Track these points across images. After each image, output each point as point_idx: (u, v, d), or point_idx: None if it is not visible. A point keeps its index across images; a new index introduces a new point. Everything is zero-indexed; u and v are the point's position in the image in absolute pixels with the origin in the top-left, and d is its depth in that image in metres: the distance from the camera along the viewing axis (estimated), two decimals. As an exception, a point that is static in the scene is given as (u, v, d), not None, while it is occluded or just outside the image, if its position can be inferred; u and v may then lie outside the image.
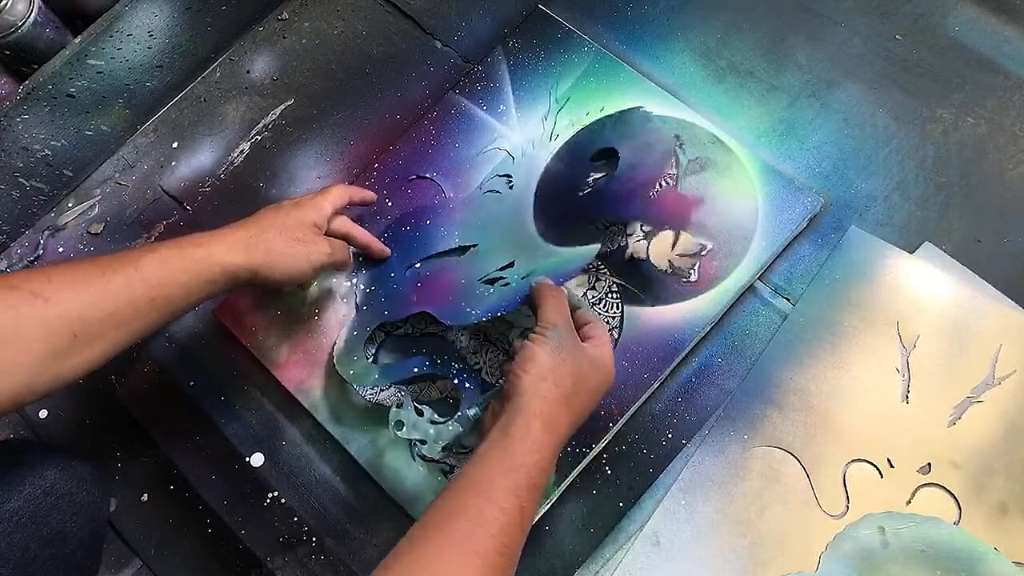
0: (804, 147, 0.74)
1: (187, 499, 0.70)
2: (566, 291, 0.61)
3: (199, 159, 0.82)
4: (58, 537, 0.56)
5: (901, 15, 0.78)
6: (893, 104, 0.75)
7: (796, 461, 0.64)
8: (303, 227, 0.62)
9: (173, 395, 0.73)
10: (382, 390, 0.68)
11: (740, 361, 0.68)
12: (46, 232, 0.80)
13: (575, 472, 0.64)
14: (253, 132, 0.82)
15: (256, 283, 0.60)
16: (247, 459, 0.70)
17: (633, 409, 0.66)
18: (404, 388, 0.68)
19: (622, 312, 0.68)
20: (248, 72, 0.85)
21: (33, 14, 0.71)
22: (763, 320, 0.69)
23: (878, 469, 0.63)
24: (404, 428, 0.64)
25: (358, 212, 0.74)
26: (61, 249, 0.79)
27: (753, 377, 0.67)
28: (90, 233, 0.80)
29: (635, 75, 0.77)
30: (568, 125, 0.75)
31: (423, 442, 0.64)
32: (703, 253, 0.69)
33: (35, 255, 0.79)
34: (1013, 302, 0.66)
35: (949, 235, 0.70)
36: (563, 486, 0.64)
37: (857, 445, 0.64)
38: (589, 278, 0.70)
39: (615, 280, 0.70)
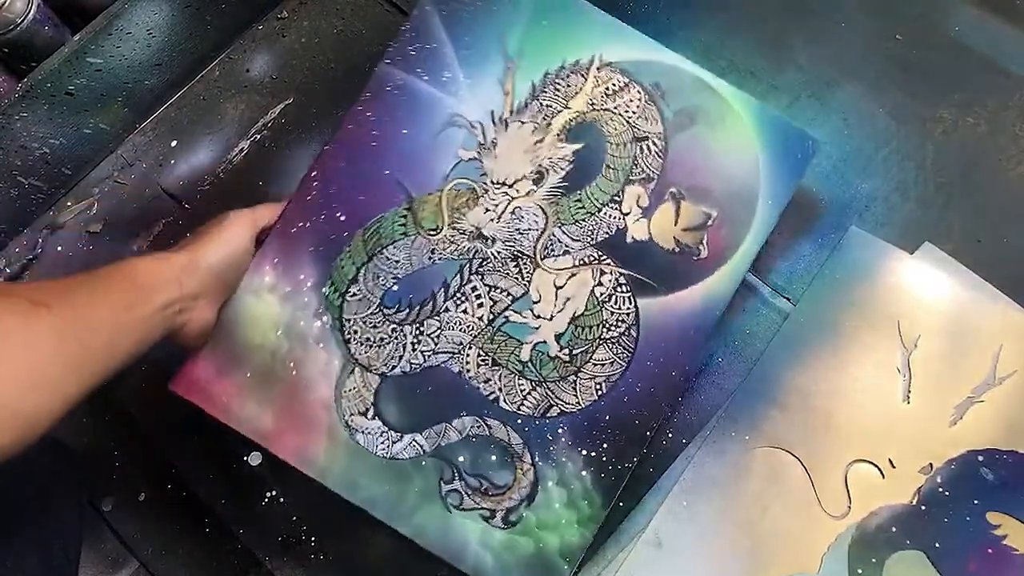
0: (804, 147, 0.74)
1: (185, 498, 0.69)
2: None
3: (198, 157, 0.81)
4: (57, 519, 0.56)
5: (901, 15, 0.78)
6: (893, 104, 0.75)
7: (798, 461, 0.64)
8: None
9: (170, 393, 0.72)
10: (395, 441, 0.61)
11: (741, 361, 0.68)
12: (44, 231, 0.79)
13: (620, 488, 0.60)
14: (252, 131, 0.82)
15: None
16: (245, 458, 0.69)
17: (667, 415, 0.62)
18: (422, 435, 0.61)
19: (636, 307, 0.63)
20: (247, 71, 0.85)
21: (32, 11, 0.71)
22: (764, 320, 0.69)
23: (880, 469, 0.63)
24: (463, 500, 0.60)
25: (315, 233, 0.63)
26: (60, 248, 0.79)
27: (754, 377, 0.67)
28: (89, 232, 0.79)
29: (595, 11, 0.65)
30: (529, 89, 0.64)
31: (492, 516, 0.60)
32: (709, 223, 0.63)
33: (33, 254, 0.78)
34: (1013, 302, 0.66)
35: (949, 235, 0.70)
36: (611, 505, 0.60)
37: (859, 445, 0.64)
38: (593, 273, 0.63)
39: (621, 271, 0.63)
